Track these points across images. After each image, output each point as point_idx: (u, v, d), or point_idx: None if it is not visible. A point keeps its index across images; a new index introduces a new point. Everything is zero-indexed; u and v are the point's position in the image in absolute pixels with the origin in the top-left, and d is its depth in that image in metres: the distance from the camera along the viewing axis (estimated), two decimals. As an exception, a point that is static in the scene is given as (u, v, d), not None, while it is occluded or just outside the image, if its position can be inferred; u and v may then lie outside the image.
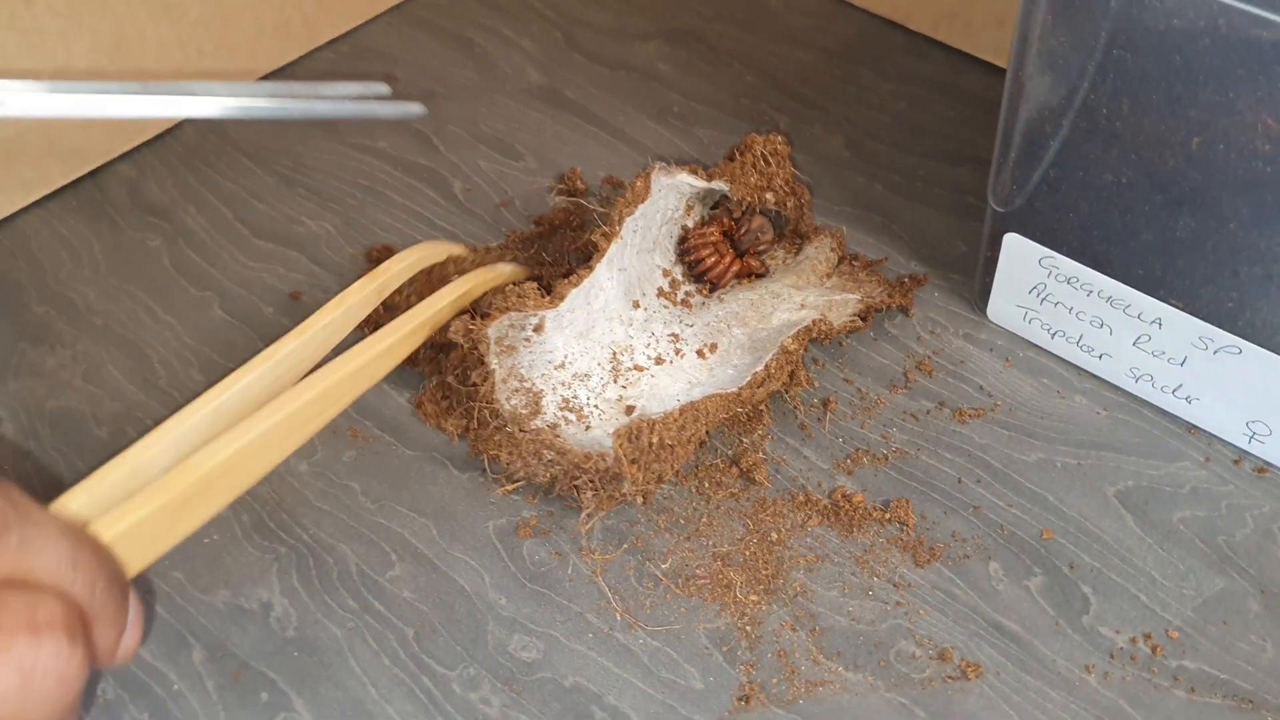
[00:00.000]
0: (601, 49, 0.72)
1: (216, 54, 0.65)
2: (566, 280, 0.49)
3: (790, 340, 0.50)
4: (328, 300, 0.48)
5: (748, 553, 0.47)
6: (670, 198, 0.53)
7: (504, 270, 0.52)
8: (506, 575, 0.47)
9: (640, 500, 0.47)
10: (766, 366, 0.49)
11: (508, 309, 0.47)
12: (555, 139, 0.66)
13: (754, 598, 0.45)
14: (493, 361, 0.47)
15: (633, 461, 0.46)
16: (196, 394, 0.51)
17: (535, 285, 0.48)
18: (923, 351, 0.54)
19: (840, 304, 0.53)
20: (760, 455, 0.49)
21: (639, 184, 0.51)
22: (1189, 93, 0.39)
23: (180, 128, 0.66)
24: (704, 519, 0.48)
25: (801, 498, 0.48)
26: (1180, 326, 0.46)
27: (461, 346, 0.48)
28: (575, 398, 0.49)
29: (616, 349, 0.51)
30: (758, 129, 0.66)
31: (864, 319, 0.53)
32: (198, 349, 0.55)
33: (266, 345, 0.53)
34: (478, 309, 0.49)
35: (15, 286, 0.58)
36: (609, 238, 0.50)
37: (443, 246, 0.53)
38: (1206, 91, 0.39)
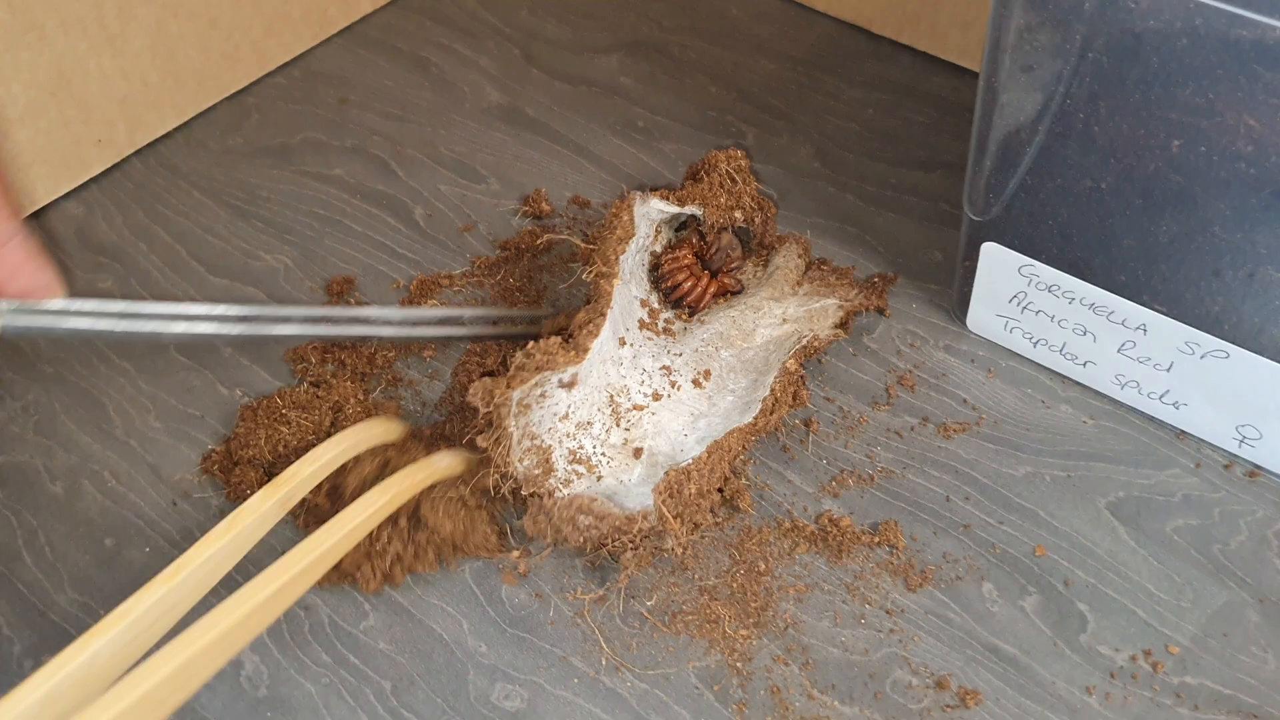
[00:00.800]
0: (561, 64, 0.71)
1: (162, 84, 0.63)
2: (583, 331, 0.47)
3: (791, 360, 0.49)
4: (287, 337, 0.46)
5: (735, 585, 0.45)
6: (642, 226, 0.51)
7: (441, 464, 0.47)
8: (485, 621, 0.45)
9: (680, 553, 0.46)
10: (773, 391, 0.48)
11: (539, 368, 0.45)
12: (517, 159, 0.64)
13: (744, 632, 0.44)
14: (511, 424, 0.45)
15: (676, 516, 0.44)
16: (153, 440, 0.50)
17: (559, 340, 0.46)
18: (903, 366, 0.53)
19: (820, 312, 0.52)
20: (743, 482, 0.48)
21: (625, 218, 0.49)
22: (1168, 95, 0.39)
23: (128, 161, 0.64)
24: (688, 551, 0.46)
25: (788, 524, 0.47)
26: (1165, 332, 0.45)
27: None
28: (581, 448, 0.47)
29: (612, 391, 0.49)
30: (724, 142, 0.64)
31: (844, 326, 0.52)
32: (155, 394, 0.53)
33: (225, 388, 0.52)
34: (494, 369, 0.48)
35: (-40, 336, 0.56)
36: (609, 279, 0.48)
37: (379, 428, 0.48)
38: (1186, 93, 0.38)
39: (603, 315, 0.47)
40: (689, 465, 0.45)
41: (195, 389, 0.53)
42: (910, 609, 0.44)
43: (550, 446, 0.46)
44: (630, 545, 0.44)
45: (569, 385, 0.46)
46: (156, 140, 0.65)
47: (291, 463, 0.48)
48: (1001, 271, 0.49)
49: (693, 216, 0.54)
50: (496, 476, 0.45)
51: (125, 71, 0.61)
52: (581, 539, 0.45)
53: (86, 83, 0.60)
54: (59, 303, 0.45)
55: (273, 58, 0.69)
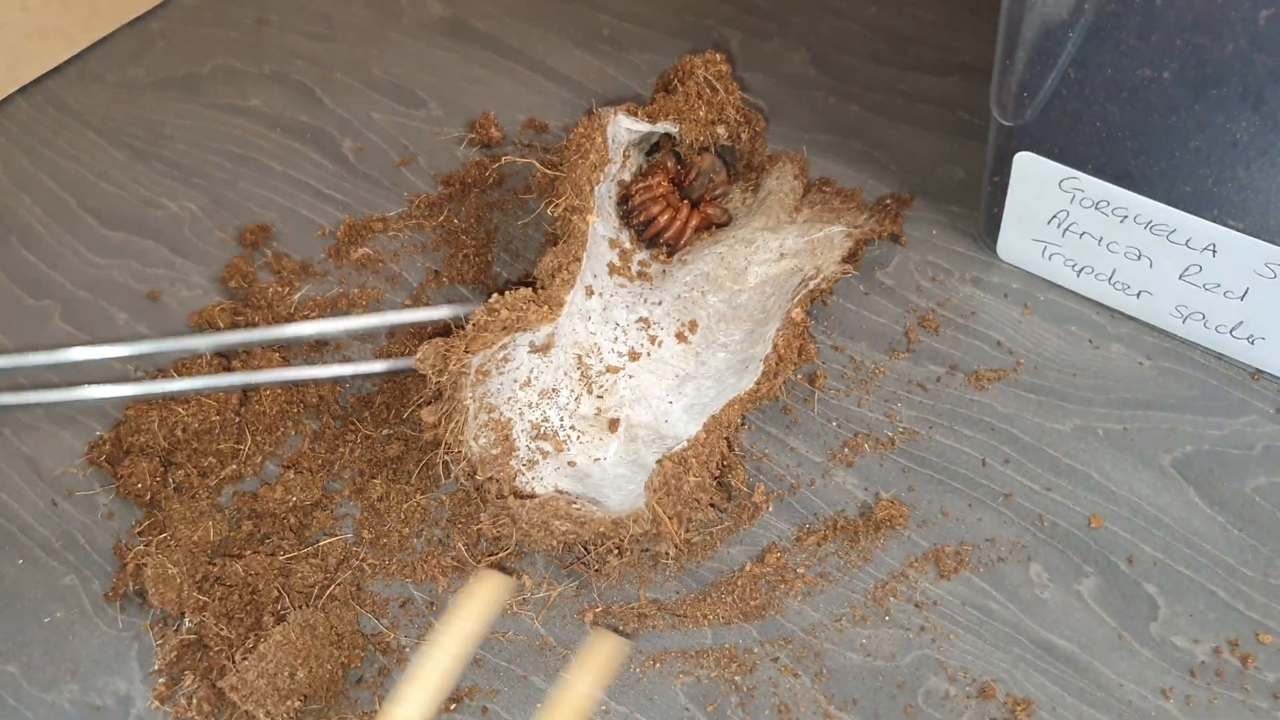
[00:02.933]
0: (515, -33, 0.65)
1: (47, 10, 0.57)
2: (555, 280, 0.41)
3: (797, 309, 0.43)
4: (192, 299, 0.39)
5: (729, 578, 0.39)
6: (628, 138, 0.46)
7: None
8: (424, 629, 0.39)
9: (674, 555, 0.40)
10: (775, 347, 0.42)
11: (506, 328, 0.38)
12: (463, 79, 0.59)
13: (740, 638, 0.38)
14: (468, 396, 0.39)
15: (673, 516, 0.38)
16: (31, 428, 0.45)
17: (528, 292, 0.40)
18: (925, 304, 0.47)
19: (824, 243, 0.47)
20: (736, 453, 0.42)
21: (598, 140, 0.43)
22: None
23: (10, 101, 0.58)
24: (687, 545, 0.40)
25: (793, 501, 0.41)
26: (1239, 252, 0.41)
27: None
28: (546, 421, 0.42)
29: (580, 351, 0.43)
30: (705, 50, 0.57)
31: (853, 259, 0.47)
32: (36, 374, 0.47)
33: (118, 364, 0.46)
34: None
35: None
36: (583, 213, 0.42)
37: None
38: (1282, -55, 0.34)
39: (577, 260, 0.42)
40: (684, 450, 0.39)
41: (83, 367, 0.47)
42: (944, 600, 0.39)
43: (510, 420, 0.41)
44: (615, 550, 0.39)
45: (543, 349, 0.41)
46: (44, 75, 0.60)
47: (193, 449, 0.42)
48: (1038, 187, 0.44)
49: (667, 135, 0.48)
50: (445, 459, 0.39)
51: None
52: (554, 543, 0.39)
53: (-50, 9, 0.53)
54: None
55: (181, -25, 0.63)
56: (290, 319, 0.46)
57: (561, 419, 0.42)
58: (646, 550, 0.39)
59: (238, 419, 0.43)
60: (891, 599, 0.39)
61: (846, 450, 0.43)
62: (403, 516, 0.40)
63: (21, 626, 0.39)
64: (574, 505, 0.39)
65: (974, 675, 0.37)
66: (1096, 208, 0.43)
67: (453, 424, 0.38)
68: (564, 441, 0.41)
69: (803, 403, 0.44)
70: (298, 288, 0.48)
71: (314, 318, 0.47)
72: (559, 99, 0.57)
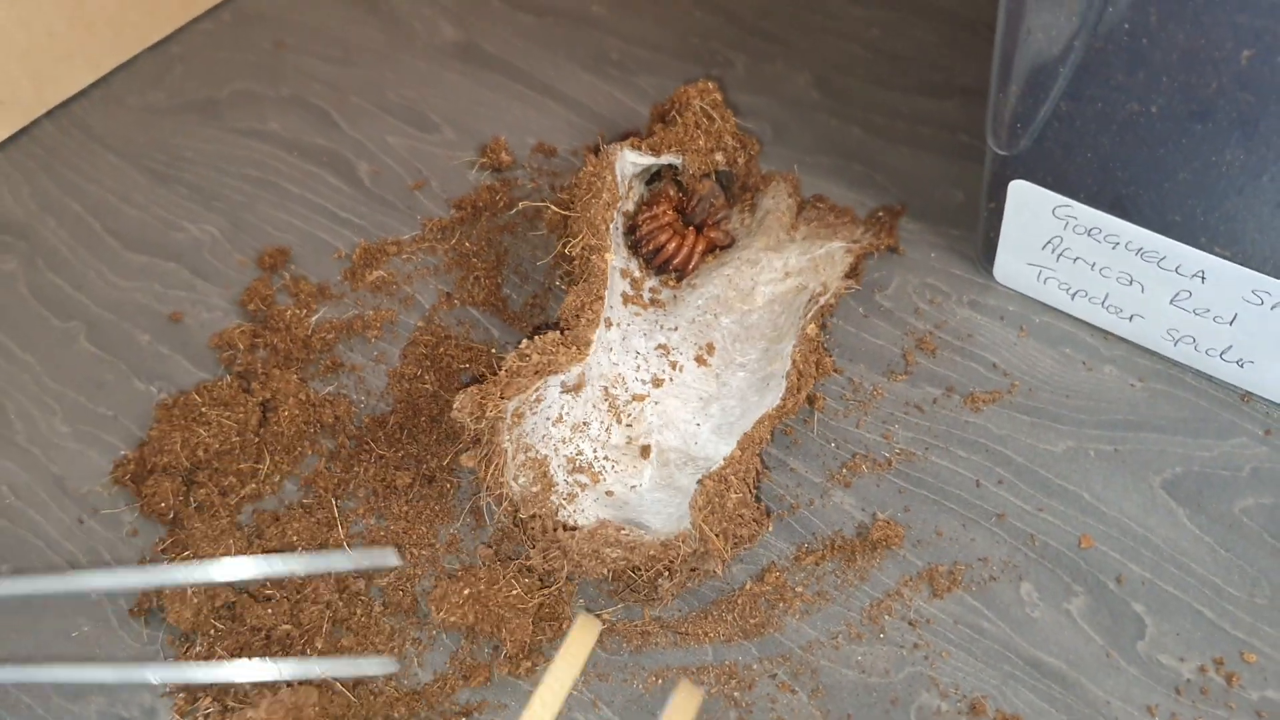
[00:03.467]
0: (525, -8, 0.65)
1: (71, 34, 0.57)
2: (581, 320, 0.41)
3: (811, 325, 0.44)
4: (212, 320, 0.39)
5: (730, 597, 0.40)
6: (633, 170, 0.46)
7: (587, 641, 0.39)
8: (437, 647, 0.40)
9: (720, 572, 0.40)
10: (794, 364, 0.43)
11: (539, 372, 0.39)
12: (475, 103, 0.59)
13: (739, 655, 0.39)
14: (505, 440, 0.39)
15: (719, 534, 0.39)
16: (59, 447, 0.45)
17: (556, 335, 0.40)
18: (923, 326, 0.47)
19: (825, 259, 0.47)
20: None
21: (608, 179, 0.44)
22: None
23: (36, 124, 0.58)
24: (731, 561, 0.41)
25: (792, 521, 0.42)
26: (1228, 279, 0.41)
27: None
28: (580, 454, 0.42)
29: (606, 383, 0.43)
30: (710, 73, 0.58)
31: (855, 274, 0.48)
32: (61, 393, 0.48)
33: (142, 383, 0.46)
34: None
35: None
36: (601, 252, 0.43)
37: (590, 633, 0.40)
38: (1261, -9, 0.34)
39: (600, 298, 0.42)
40: (724, 469, 0.40)
41: (107, 384, 0.48)
42: (937, 618, 0.39)
43: (546, 456, 0.41)
44: (666, 571, 0.39)
45: (575, 389, 0.41)
46: (68, 99, 0.60)
47: (214, 469, 0.43)
48: (1032, 213, 0.45)
49: (669, 166, 0.48)
50: (489, 500, 0.40)
51: (25, 21, 0.55)
52: (604, 571, 0.39)
53: (-21, 35, 0.53)
54: None
55: (199, 0, 0.63)
56: (307, 343, 0.47)
57: (595, 450, 0.42)
58: (695, 570, 0.39)
59: (257, 439, 0.44)
60: (886, 617, 0.39)
61: (845, 471, 0.43)
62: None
63: (51, 640, 0.40)
64: (623, 531, 0.39)
65: (965, 692, 0.37)
66: (1089, 234, 0.44)
67: (492, 468, 0.39)
68: (599, 473, 0.42)
69: (802, 424, 0.44)
70: (315, 310, 0.48)
71: (331, 340, 0.47)
72: (567, 122, 0.57)
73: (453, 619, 0.38)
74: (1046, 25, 0.38)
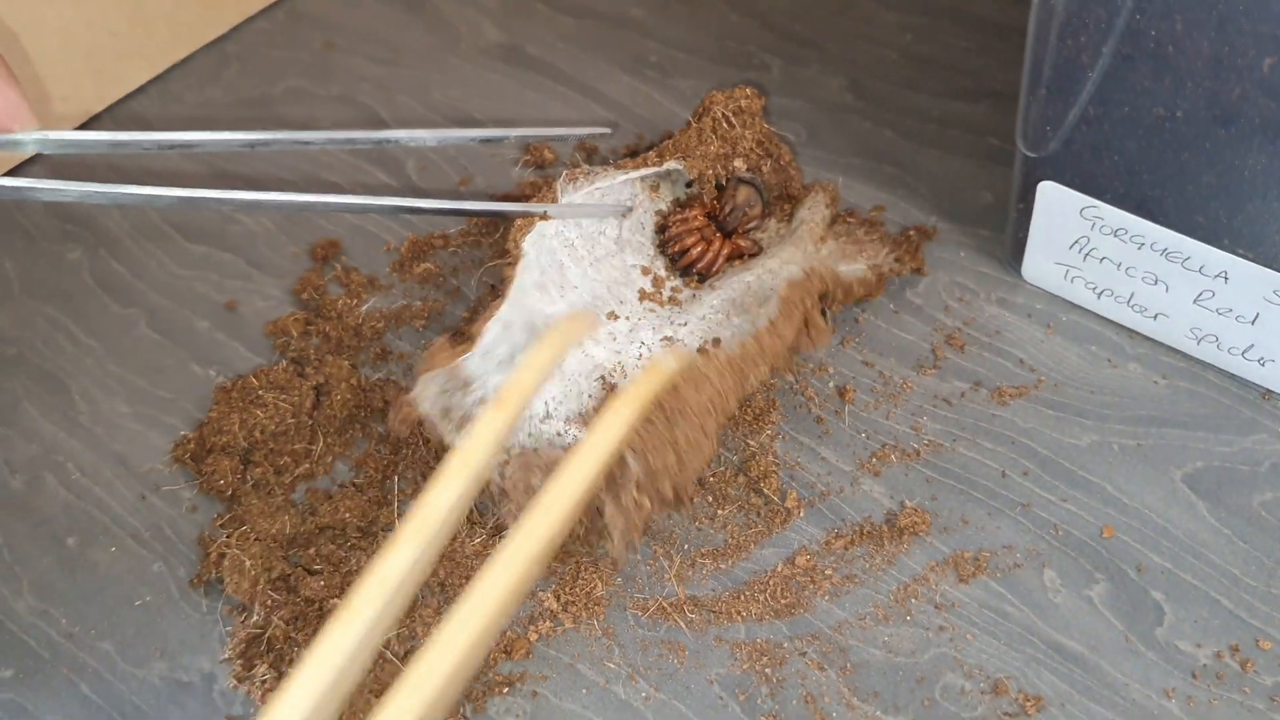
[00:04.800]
0: (566, -4, 0.66)
1: (131, 34, 0.59)
2: (477, 318, 0.43)
3: (786, 288, 0.44)
4: (267, 309, 0.41)
5: (762, 578, 0.41)
6: (622, 191, 0.46)
7: (671, 366, 0.39)
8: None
9: (681, 498, 0.40)
10: (772, 323, 0.43)
11: (421, 373, 0.41)
12: (518, 103, 0.60)
13: (771, 634, 0.40)
14: (453, 440, 0.40)
15: (651, 443, 0.39)
16: (121, 427, 0.46)
17: (442, 339, 0.42)
18: (951, 323, 0.48)
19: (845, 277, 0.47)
20: (771, 460, 0.44)
21: (533, 199, 0.45)
22: (1259, 4, 0.34)
23: (97, 119, 0.60)
24: (708, 540, 0.42)
25: (822, 507, 0.43)
26: (1250, 280, 0.42)
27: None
28: (579, 441, 0.42)
29: (604, 373, 0.44)
30: (745, 75, 0.59)
31: (874, 290, 0.48)
32: (122, 375, 0.50)
33: (199, 367, 0.48)
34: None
35: (-82, 316, 0.52)
36: (513, 263, 0.44)
37: (581, 323, 0.41)
38: (1282, 1, 0.34)
39: (500, 298, 0.43)
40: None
41: (167, 369, 0.49)
42: (962, 603, 0.40)
43: (536, 449, 0.42)
44: (605, 496, 0.39)
45: (465, 385, 0.41)
46: (127, 96, 0.61)
47: (270, 449, 0.44)
48: (1061, 214, 0.45)
49: (713, 186, 0.49)
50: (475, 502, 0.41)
51: (89, 21, 0.57)
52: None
53: (46, 36, 0.55)
54: (37, 134, 0.37)
55: (253, 0, 0.65)
56: (358, 331, 0.49)
57: None
58: (635, 490, 0.39)
59: (310, 422, 0.45)
60: (913, 600, 0.40)
61: (874, 460, 0.44)
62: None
63: (115, 608, 0.42)
64: (537, 454, 0.39)
65: (988, 672, 0.38)
66: (1115, 235, 0.44)
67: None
68: None
69: (834, 415, 0.45)
70: (365, 300, 0.50)
71: (380, 329, 0.49)
72: (607, 123, 0.58)
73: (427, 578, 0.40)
74: (1076, 32, 0.39)
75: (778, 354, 0.44)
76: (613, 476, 0.39)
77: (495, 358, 0.42)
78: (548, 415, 0.42)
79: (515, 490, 0.39)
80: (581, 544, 0.41)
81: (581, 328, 0.40)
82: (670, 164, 0.48)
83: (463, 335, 0.42)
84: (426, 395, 0.41)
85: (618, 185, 0.47)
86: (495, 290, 0.47)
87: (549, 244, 0.45)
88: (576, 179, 0.46)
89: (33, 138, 0.36)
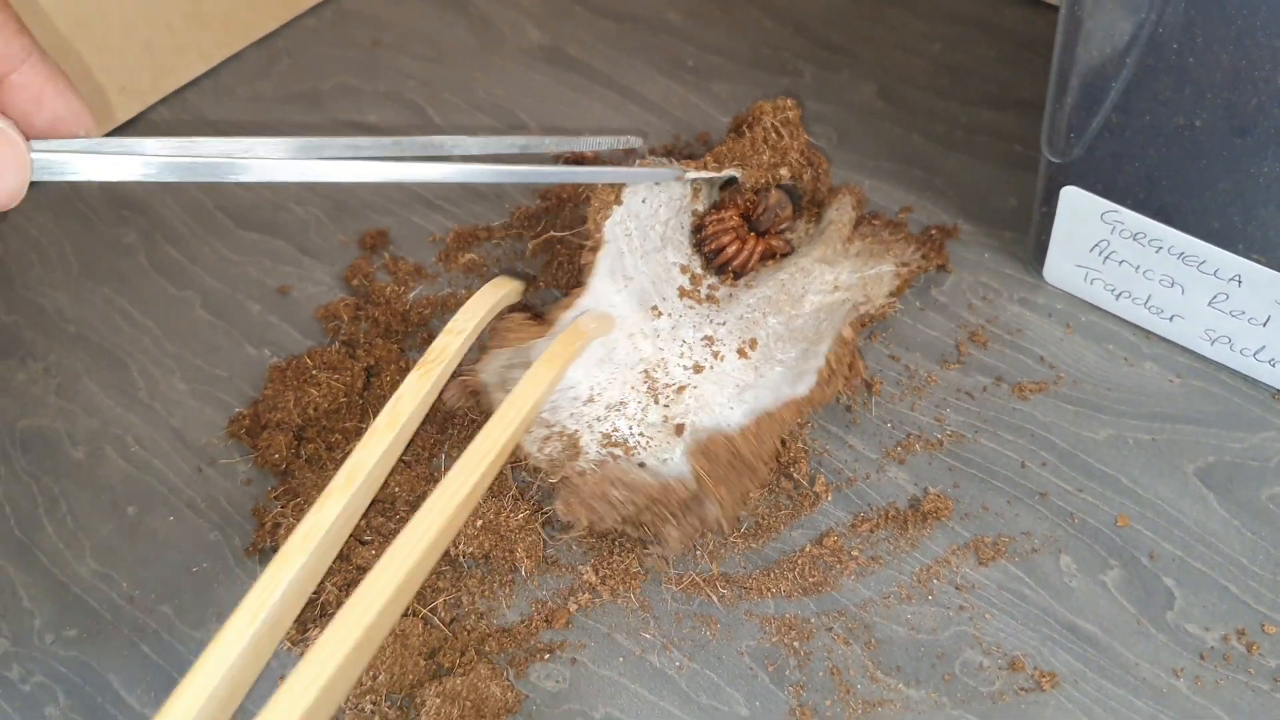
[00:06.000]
0: (606, 0, 0.67)
1: (188, 29, 0.61)
2: (557, 303, 0.44)
3: (847, 328, 0.46)
4: (318, 294, 0.42)
5: (791, 557, 0.43)
6: (674, 188, 0.48)
7: (590, 328, 0.44)
8: (523, 594, 0.43)
9: (726, 528, 0.43)
10: (828, 361, 0.45)
11: (495, 347, 0.42)
12: (559, 102, 0.62)
13: (799, 610, 0.41)
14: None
15: (717, 482, 0.41)
16: (178, 403, 0.48)
17: (523, 314, 0.44)
18: (975, 320, 0.49)
19: (874, 280, 0.49)
20: (800, 446, 0.45)
21: (601, 189, 0.46)
22: (1275, 19, 0.35)
23: (153, 110, 0.62)
24: (738, 526, 0.44)
25: (849, 492, 0.44)
26: (1263, 283, 0.43)
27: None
28: (616, 430, 0.44)
29: (648, 367, 0.46)
30: (779, 80, 0.61)
31: (899, 293, 0.50)
32: (179, 354, 0.51)
33: (253, 348, 0.50)
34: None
35: (-19, 294, 0.54)
36: (595, 249, 0.45)
37: (507, 288, 0.45)
38: (1298, 17, 0.35)
39: (583, 286, 0.45)
40: (732, 432, 0.43)
41: (221, 349, 0.51)
42: (982, 584, 0.42)
43: (577, 430, 0.44)
44: (671, 517, 0.41)
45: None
46: (183, 87, 0.63)
47: (322, 426, 0.46)
48: (1082, 218, 0.46)
49: (763, 192, 0.51)
50: (510, 468, 0.43)
51: (149, 16, 0.59)
52: (617, 517, 0.42)
53: (108, 28, 0.57)
54: (93, 142, 0.37)
55: (303, -1, 0.67)
56: (405, 317, 0.51)
57: (630, 427, 0.44)
58: (696, 517, 0.42)
59: (361, 401, 0.47)
60: (935, 581, 0.42)
61: (899, 449, 0.45)
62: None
63: (173, 574, 0.44)
64: (628, 473, 0.41)
65: (1006, 650, 0.40)
66: (1135, 239, 0.45)
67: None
68: (634, 447, 0.44)
69: (861, 405, 0.47)
70: (412, 287, 0.52)
71: (427, 315, 0.51)
72: (646, 123, 0.59)
73: (470, 549, 0.42)
74: (1101, 43, 0.40)
75: (828, 398, 0.46)
76: (685, 503, 0.41)
77: None
78: (590, 399, 0.44)
79: (594, 503, 0.41)
80: (634, 544, 0.43)
81: (508, 293, 0.44)
82: (730, 171, 0.49)
83: (539, 316, 0.44)
84: (490, 367, 0.43)
85: (674, 183, 0.49)
86: (550, 264, 0.49)
87: (615, 230, 0.47)
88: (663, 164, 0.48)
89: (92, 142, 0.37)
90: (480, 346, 0.45)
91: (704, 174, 0.49)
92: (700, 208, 0.51)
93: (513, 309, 0.45)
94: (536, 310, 0.46)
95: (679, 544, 0.42)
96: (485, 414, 0.43)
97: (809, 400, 0.44)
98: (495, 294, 0.45)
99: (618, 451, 0.44)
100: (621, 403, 0.45)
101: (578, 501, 0.41)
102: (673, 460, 0.43)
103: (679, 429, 0.45)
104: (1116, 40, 0.39)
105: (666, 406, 0.45)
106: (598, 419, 0.44)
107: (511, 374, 0.43)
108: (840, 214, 0.51)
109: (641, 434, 0.44)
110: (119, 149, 0.36)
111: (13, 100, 0.32)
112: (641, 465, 0.43)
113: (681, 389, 0.46)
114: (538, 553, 0.43)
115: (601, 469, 0.42)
